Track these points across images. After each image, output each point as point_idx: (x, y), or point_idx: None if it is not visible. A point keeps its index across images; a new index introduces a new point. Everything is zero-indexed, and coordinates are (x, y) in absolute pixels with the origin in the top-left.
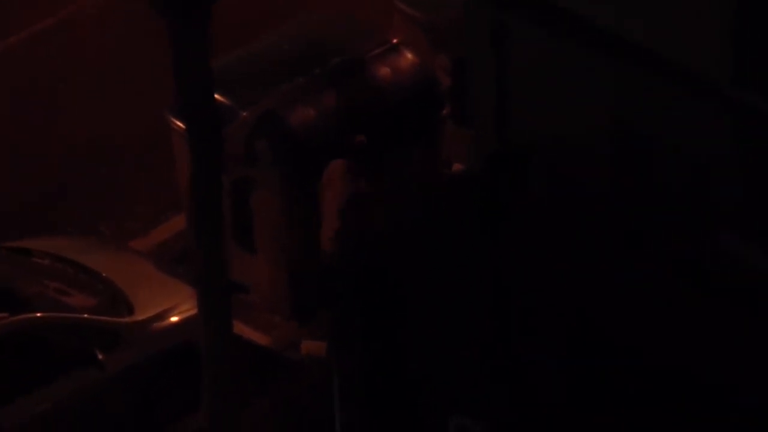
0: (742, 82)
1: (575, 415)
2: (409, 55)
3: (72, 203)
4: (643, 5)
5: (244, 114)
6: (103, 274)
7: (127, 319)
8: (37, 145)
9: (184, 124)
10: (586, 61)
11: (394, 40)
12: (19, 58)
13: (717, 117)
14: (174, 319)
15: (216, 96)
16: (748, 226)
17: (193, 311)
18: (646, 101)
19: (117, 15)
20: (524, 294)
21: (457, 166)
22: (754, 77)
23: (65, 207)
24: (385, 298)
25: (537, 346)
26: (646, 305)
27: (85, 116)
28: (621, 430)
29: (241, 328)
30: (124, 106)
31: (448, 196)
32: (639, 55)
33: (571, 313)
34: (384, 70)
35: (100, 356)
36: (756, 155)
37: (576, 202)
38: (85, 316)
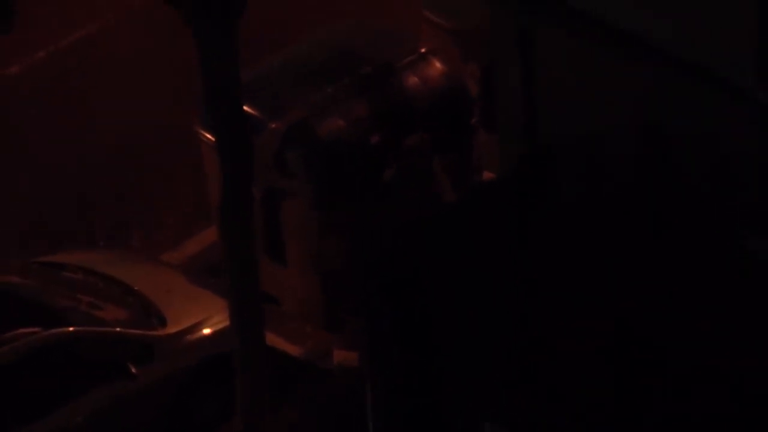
0: (766, 82)
1: (607, 420)
2: (438, 64)
3: (99, 217)
4: (667, 8)
5: (273, 124)
6: (135, 287)
7: (159, 332)
8: (61, 158)
9: (213, 136)
10: (611, 64)
11: (423, 49)
12: (45, 72)
13: (742, 117)
14: (206, 331)
15: (245, 106)
16: None
17: (226, 323)
18: (672, 102)
19: (138, 28)
20: (554, 296)
21: (487, 174)
22: None
23: (92, 221)
24: (414, 305)
25: (570, 349)
26: (674, 305)
27: (109, 129)
28: None
29: (273, 339)
30: (148, 119)
31: (476, 200)
32: (663, 57)
33: (602, 313)
34: (413, 79)
35: (133, 369)
36: None
37: (603, 203)
38: (118, 329)
